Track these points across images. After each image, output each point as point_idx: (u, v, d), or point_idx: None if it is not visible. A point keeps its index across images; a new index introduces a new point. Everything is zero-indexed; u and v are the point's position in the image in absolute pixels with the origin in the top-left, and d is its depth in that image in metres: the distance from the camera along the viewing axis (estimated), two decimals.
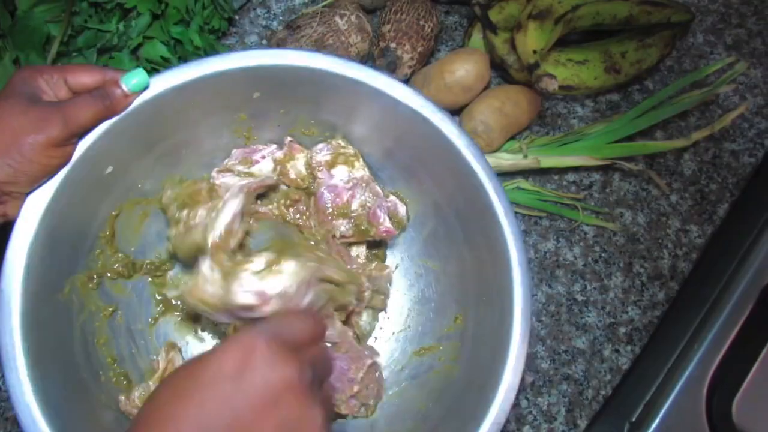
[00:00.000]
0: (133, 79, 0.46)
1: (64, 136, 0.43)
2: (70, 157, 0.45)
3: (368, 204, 0.53)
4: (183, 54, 0.64)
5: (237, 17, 0.71)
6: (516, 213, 0.66)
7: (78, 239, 0.51)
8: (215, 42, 0.66)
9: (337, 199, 0.53)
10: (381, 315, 0.59)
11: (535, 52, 0.62)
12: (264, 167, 0.58)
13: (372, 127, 0.55)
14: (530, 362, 0.63)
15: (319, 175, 0.55)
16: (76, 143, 0.45)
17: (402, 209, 0.58)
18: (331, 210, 0.53)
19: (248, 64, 0.50)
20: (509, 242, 0.47)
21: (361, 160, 0.58)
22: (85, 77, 0.46)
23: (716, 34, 0.75)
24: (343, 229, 0.53)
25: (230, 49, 0.69)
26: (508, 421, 0.61)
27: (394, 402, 0.55)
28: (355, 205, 0.53)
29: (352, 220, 0.53)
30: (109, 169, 0.50)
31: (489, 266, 0.50)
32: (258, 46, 0.71)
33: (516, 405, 0.61)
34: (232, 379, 0.29)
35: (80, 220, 0.50)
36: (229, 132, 0.56)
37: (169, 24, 0.63)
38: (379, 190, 0.55)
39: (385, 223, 0.53)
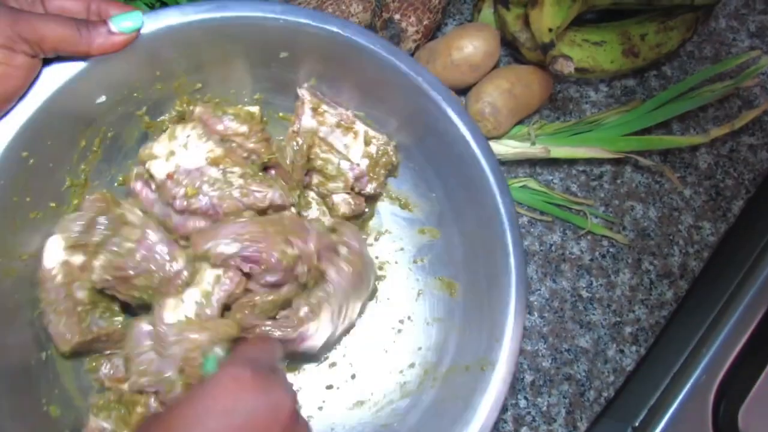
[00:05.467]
0: (124, 21, 0.39)
1: (10, 35, 0.36)
2: (29, 77, 0.39)
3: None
4: None
5: None
6: (518, 213, 0.62)
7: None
8: None
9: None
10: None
11: (550, 30, 0.57)
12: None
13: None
14: (531, 360, 0.59)
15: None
16: (37, 62, 0.39)
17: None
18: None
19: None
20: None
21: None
22: (67, 2, 0.40)
23: (740, 19, 0.70)
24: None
25: None
26: (505, 421, 0.58)
27: None
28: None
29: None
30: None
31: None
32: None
33: (514, 405, 0.58)
34: (222, 414, 0.32)
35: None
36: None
37: None
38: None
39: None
